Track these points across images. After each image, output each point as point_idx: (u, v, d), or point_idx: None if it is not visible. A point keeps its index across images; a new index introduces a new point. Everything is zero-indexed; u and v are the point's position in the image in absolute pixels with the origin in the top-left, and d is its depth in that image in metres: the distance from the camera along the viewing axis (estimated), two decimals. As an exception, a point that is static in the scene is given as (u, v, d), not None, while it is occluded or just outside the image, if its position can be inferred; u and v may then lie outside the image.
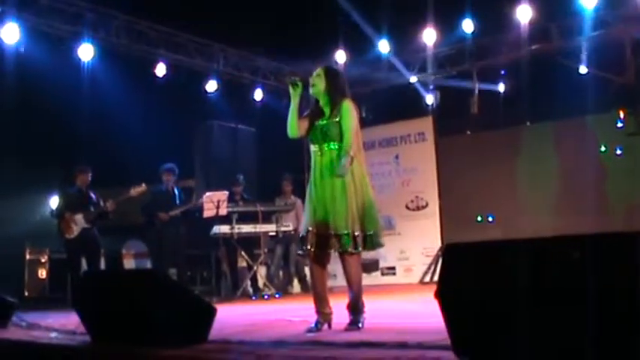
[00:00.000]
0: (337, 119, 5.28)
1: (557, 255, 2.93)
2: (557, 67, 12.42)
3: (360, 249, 5.16)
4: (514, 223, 12.31)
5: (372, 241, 5.24)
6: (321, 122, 5.35)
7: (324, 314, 5.28)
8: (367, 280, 13.74)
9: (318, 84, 5.36)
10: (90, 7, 11.60)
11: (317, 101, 5.42)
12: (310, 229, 5.22)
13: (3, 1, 10.52)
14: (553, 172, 12.38)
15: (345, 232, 5.11)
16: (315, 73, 5.42)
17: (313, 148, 5.38)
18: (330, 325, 5.29)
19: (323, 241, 5.17)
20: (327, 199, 5.17)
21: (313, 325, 5.22)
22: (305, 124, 5.41)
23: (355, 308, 5.26)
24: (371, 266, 13.40)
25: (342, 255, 5.21)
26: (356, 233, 5.12)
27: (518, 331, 2.96)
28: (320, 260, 5.29)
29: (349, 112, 5.31)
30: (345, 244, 5.12)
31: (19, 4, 10.77)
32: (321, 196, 5.22)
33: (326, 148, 5.29)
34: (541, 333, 2.89)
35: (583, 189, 11.93)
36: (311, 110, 5.46)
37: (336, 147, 5.25)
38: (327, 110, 5.36)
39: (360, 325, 5.17)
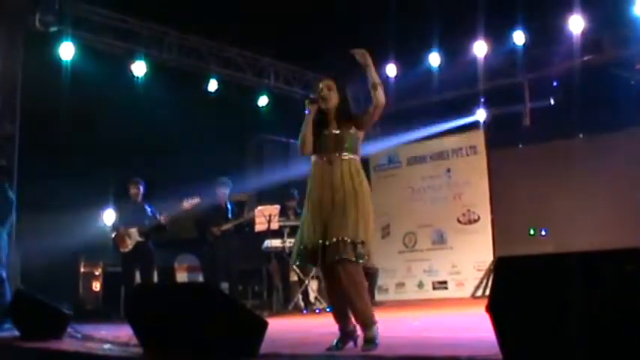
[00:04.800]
0: (352, 131, 5.09)
1: (612, 268, 2.88)
2: (610, 77, 12.25)
3: (362, 260, 4.82)
4: (567, 237, 12.10)
5: (360, 254, 4.86)
6: (334, 131, 5.11)
7: (346, 331, 5.01)
8: (419, 294, 13.82)
9: (333, 97, 5.17)
10: (142, 24, 11.85)
11: (321, 113, 5.19)
12: (312, 243, 4.93)
13: (59, 20, 10.76)
14: (606, 184, 12.16)
15: (348, 239, 4.79)
16: (324, 86, 5.22)
17: (318, 158, 5.13)
18: (355, 343, 5.00)
19: (328, 251, 4.86)
20: (331, 208, 4.91)
21: (334, 343, 4.95)
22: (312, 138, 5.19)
23: (365, 324, 4.91)
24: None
25: (340, 264, 4.82)
26: (358, 240, 4.80)
27: (571, 346, 2.92)
28: (330, 274, 5.00)
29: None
30: (344, 252, 4.79)
31: (74, 22, 11.04)
32: (325, 207, 4.94)
33: (337, 158, 5.04)
34: (595, 348, 2.85)
35: (637, 202, 11.72)
36: (314, 123, 5.19)
37: (348, 158, 5.04)
38: (337, 122, 5.14)
39: (377, 342, 4.81)
